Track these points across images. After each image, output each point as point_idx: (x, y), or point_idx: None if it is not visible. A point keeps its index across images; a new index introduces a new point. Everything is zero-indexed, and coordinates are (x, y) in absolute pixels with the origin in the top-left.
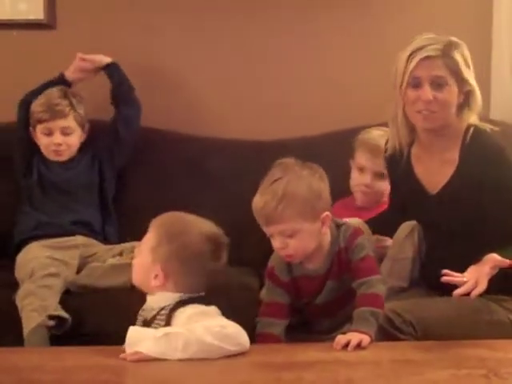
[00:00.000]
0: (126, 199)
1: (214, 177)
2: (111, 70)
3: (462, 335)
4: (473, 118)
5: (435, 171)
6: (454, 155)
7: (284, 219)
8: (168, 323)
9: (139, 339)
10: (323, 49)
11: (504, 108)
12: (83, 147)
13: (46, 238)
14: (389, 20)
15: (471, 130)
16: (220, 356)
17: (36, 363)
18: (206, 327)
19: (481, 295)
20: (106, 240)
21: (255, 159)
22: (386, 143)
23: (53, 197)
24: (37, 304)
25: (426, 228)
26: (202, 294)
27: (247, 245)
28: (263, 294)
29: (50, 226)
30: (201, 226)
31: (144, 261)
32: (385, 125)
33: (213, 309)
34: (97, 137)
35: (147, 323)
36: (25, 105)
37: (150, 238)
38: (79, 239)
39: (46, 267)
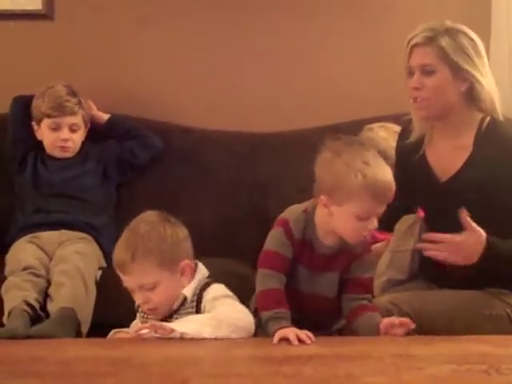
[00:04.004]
0: (121, 192)
1: (209, 168)
2: (111, 124)
3: (461, 329)
4: (484, 108)
5: (448, 158)
6: (468, 141)
7: None
8: (198, 306)
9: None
10: (318, 43)
11: (502, 107)
12: (88, 150)
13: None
14: (383, 16)
15: (488, 118)
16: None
17: (36, 355)
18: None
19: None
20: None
21: (250, 151)
22: (403, 130)
23: (46, 196)
24: (18, 294)
25: (432, 216)
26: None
27: (242, 236)
28: (266, 244)
29: (39, 228)
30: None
31: (165, 280)
32: (381, 119)
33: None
34: (107, 145)
35: (163, 319)
36: (21, 101)
37: (145, 267)
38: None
39: (32, 267)
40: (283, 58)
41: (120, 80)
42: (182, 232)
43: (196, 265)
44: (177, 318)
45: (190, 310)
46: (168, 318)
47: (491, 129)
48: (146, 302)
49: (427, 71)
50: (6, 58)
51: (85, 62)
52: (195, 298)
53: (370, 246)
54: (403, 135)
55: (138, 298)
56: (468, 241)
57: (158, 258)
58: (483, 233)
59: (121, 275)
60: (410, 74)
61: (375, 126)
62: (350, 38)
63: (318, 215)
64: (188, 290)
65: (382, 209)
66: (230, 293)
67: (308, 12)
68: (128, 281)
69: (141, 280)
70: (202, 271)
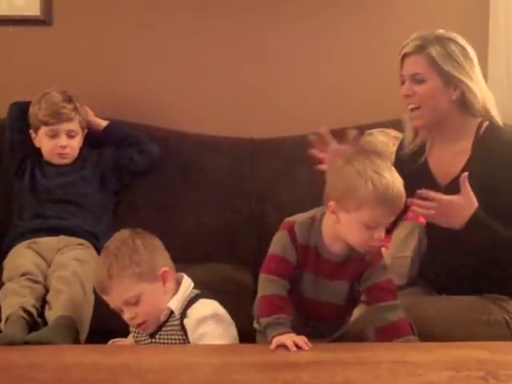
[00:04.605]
0: (120, 198)
1: (208, 174)
2: (109, 131)
3: (460, 335)
4: (477, 111)
5: (448, 162)
6: (467, 146)
7: None
8: (182, 320)
9: None
10: (318, 48)
11: (500, 110)
12: (86, 156)
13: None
14: (384, 20)
15: (485, 123)
16: None
17: (34, 361)
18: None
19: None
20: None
21: (250, 157)
22: (401, 143)
23: (44, 202)
24: (16, 300)
25: (432, 222)
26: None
27: (240, 242)
28: (271, 248)
29: (37, 234)
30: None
31: (147, 291)
32: (382, 124)
33: (218, 308)
34: (104, 151)
35: (153, 331)
36: (18, 107)
37: (123, 281)
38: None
39: (30, 273)
40: (283, 63)
41: (119, 86)
42: (155, 242)
43: (182, 277)
44: (165, 331)
45: (175, 322)
46: (157, 330)
47: (489, 133)
48: (134, 317)
49: (418, 80)
50: (4, 64)
51: (83, 67)
52: (181, 311)
53: (381, 252)
54: (403, 144)
55: (126, 316)
56: (458, 203)
57: (134, 271)
58: (475, 202)
59: (104, 297)
60: (403, 82)
61: (375, 131)
62: (351, 43)
63: (325, 222)
64: (174, 303)
65: (390, 219)
66: (218, 310)
67: (309, 17)
68: (111, 300)
69: (123, 296)
70: (187, 283)
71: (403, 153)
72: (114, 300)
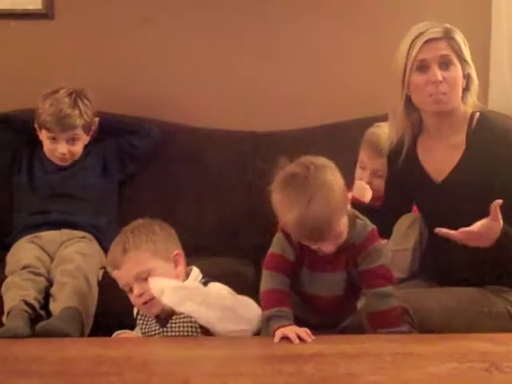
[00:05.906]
0: (123, 190)
1: (211, 167)
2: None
3: (461, 326)
4: (472, 100)
5: (441, 158)
6: (461, 139)
7: None
8: None
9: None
10: (320, 42)
11: (502, 100)
12: (87, 151)
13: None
14: (386, 14)
15: (477, 114)
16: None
17: (35, 354)
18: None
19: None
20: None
21: (252, 150)
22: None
23: (46, 196)
24: (18, 293)
25: (430, 218)
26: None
27: (242, 235)
28: (271, 247)
29: (39, 228)
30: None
31: (159, 268)
32: (382, 117)
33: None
34: (104, 141)
35: (164, 320)
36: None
37: (138, 255)
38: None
39: (32, 265)
40: (285, 56)
41: (121, 80)
42: (171, 230)
43: (190, 269)
44: (176, 320)
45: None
46: (167, 320)
47: (481, 124)
48: (143, 293)
49: (444, 64)
50: (6, 58)
51: (85, 61)
52: None
53: (375, 235)
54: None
55: (135, 291)
56: (488, 228)
57: (149, 246)
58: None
59: (115, 273)
60: (422, 68)
61: (384, 123)
62: (353, 35)
63: None
64: None
65: (318, 244)
66: (231, 291)
67: (310, 8)
68: (123, 275)
69: (136, 268)
70: (196, 273)
71: (391, 151)
72: (125, 274)
